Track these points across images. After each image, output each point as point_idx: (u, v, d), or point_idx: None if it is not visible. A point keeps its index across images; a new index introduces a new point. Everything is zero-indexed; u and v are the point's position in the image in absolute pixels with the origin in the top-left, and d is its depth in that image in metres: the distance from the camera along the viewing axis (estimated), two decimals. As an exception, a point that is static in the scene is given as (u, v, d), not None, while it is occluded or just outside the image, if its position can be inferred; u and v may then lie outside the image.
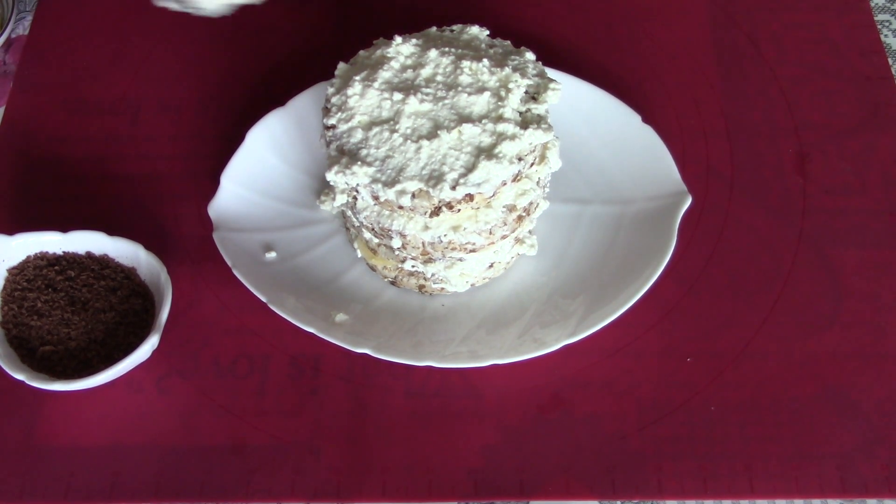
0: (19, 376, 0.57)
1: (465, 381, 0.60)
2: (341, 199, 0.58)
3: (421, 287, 0.62)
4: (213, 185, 0.64)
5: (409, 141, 0.55)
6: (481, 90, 0.56)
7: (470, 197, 0.55)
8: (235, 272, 0.60)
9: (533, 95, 0.57)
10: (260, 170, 0.65)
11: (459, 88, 0.57)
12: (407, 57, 0.58)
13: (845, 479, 0.57)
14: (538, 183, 0.58)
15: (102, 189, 0.69)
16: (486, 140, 0.55)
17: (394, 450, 0.58)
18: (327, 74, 0.67)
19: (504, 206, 0.57)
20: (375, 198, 0.55)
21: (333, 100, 0.58)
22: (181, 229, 0.66)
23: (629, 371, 0.60)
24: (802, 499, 0.57)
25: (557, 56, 0.67)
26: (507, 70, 0.57)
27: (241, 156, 0.65)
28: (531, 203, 0.59)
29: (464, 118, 0.56)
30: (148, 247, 0.62)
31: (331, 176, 0.56)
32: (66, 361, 0.59)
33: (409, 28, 0.61)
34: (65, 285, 0.61)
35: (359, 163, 0.55)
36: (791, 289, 0.64)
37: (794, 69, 0.74)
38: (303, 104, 0.67)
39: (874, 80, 0.73)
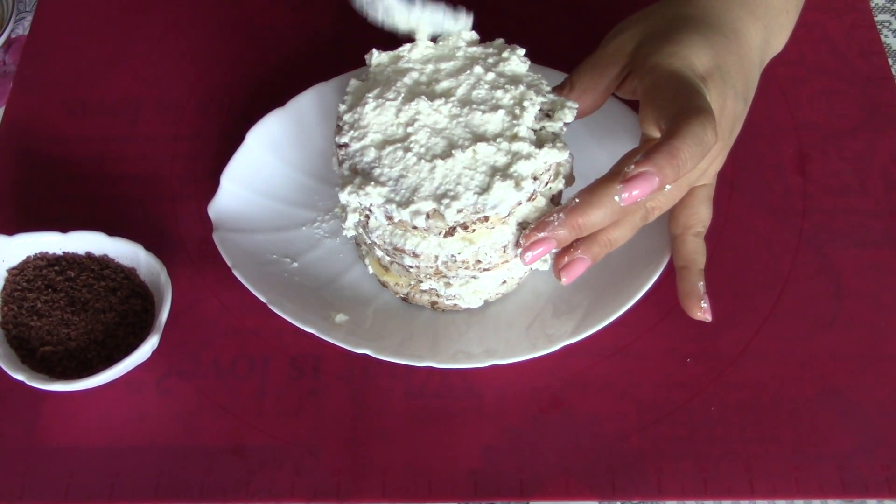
0: (19, 376, 0.57)
1: (464, 381, 0.60)
2: (353, 219, 0.57)
3: (433, 304, 0.61)
4: (213, 185, 0.64)
5: (422, 160, 0.54)
6: (496, 108, 0.55)
7: (485, 217, 0.54)
8: (235, 272, 0.60)
9: (547, 113, 0.56)
10: (260, 170, 0.65)
11: (474, 105, 0.56)
12: (422, 73, 0.58)
13: (845, 479, 0.57)
14: (552, 200, 0.57)
15: (102, 189, 0.69)
16: (501, 159, 0.54)
17: (394, 450, 0.58)
18: (327, 74, 0.68)
19: (518, 224, 0.55)
20: (389, 218, 0.54)
21: (346, 117, 0.57)
22: (181, 230, 0.66)
23: (629, 371, 0.60)
24: (802, 499, 0.57)
25: (554, 59, 0.67)
26: (522, 87, 0.56)
27: (241, 156, 0.65)
28: None
29: (478, 137, 0.55)
30: (148, 247, 0.62)
31: (344, 196, 0.54)
32: (65, 362, 0.59)
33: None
34: (65, 286, 0.61)
35: (372, 183, 0.54)
36: (791, 289, 0.64)
37: (794, 69, 0.74)
38: (303, 105, 0.67)
39: (874, 80, 0.73)
